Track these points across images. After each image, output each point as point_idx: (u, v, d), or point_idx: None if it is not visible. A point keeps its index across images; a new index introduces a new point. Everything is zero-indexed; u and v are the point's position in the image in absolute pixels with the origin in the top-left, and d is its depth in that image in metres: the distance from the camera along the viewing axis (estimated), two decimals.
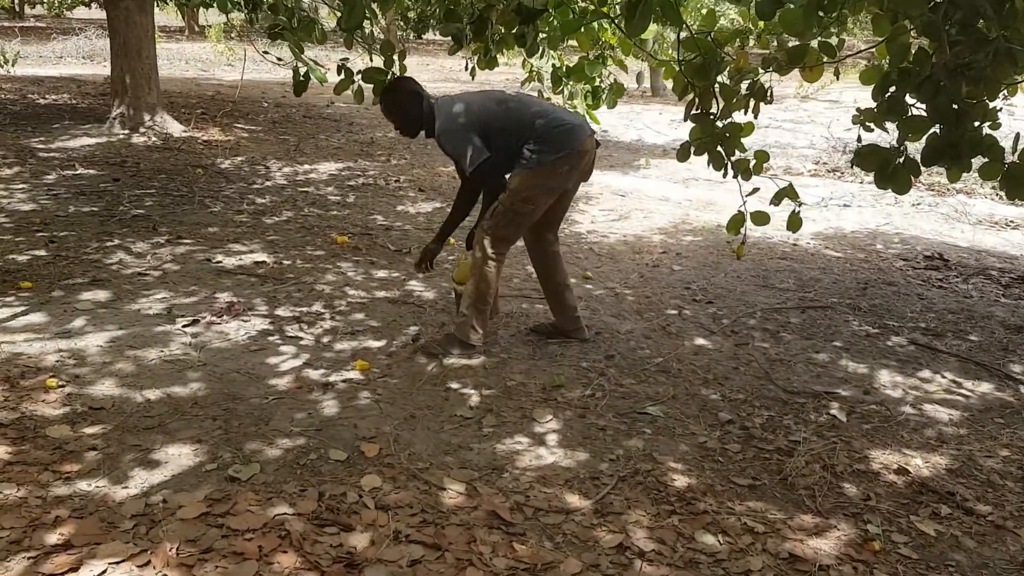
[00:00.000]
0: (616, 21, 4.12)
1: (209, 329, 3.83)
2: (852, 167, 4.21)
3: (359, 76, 4.13)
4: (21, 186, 6.22)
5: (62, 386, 3.18)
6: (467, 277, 3.65)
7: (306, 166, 7.63)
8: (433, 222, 5.96)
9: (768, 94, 3.66)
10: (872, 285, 4.72)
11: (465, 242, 3.86)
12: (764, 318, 4.15)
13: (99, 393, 3.15)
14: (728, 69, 3.88)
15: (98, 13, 30.71)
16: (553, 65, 5.17)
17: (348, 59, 4.50)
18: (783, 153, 9.22)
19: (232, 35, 21.45)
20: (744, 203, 3.69)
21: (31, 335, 3.64)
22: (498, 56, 5.20)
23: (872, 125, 3.26)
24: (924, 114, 3.36)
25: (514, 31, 5.01)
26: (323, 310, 4.15)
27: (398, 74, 4.44)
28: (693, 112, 3.93)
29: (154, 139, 8.30)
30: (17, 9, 29.59)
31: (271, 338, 3.77)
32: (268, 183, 6.88)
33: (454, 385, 3.34)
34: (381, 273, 4.77)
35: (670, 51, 4.50)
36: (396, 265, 4.93)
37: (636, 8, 2.92)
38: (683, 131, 11.04)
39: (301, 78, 4.14)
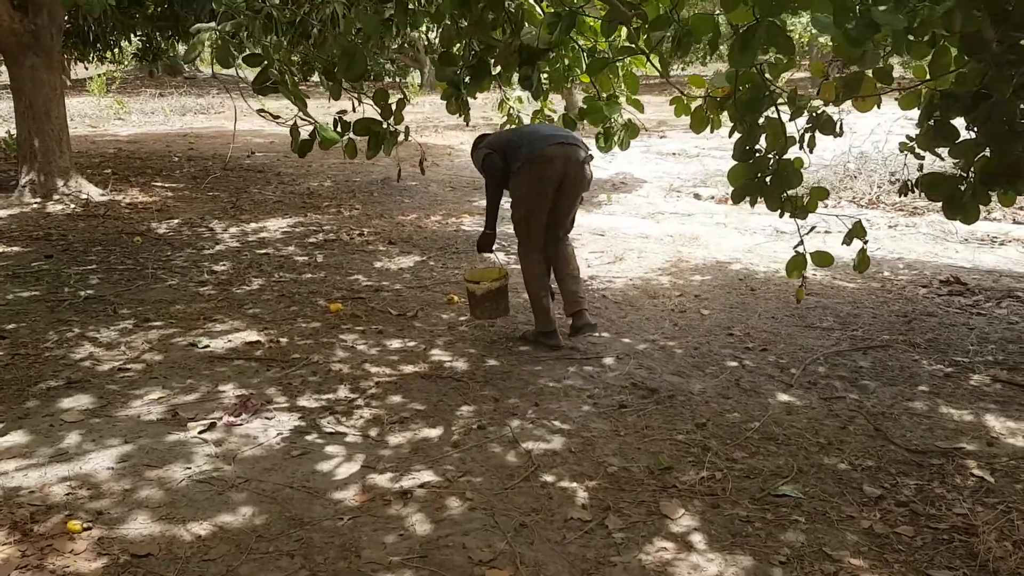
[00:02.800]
0: (650, 57, 3.85)
1: (231, 433, 3.29)
2: (914, 193, 4.02)
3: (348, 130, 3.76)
4: None
5: (87, 528, 2.60)
6: (480, 277, 4.26)
7: (253, 224, 7.03)
8: (421, 278, 5.53)
9: (838, 126, 3.44)
10: (914, 318, 4.58)
11: (476, 246, 4.43)
12: (832, 364, 3.92)
13: (136, 533, 2.59)
14: (780, 101, 3.65)
15: None
16: (558, 108, 4.86)
17: (346, 111, 4.07)
18: None
19: (112, 87, 20.17)
20: (802, 243, 3.45)
21: (22, 462, 3.01)
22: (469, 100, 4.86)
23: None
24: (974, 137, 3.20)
25: (516, 73, 4.67)
26: (352, 395, 3.66)
27: (394, 123, 4.09)
28: (742, 151, 3.68)
29: (73, 206, 7.52)
30: None
31: (309, 437, 3.26)
32: (219, 247, 6.26)
33: (548, 478, 2.93)
34: (395, 343, 4.30)
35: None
36: (408, 332, 4.47)
37: (749, 38, 2.65)
38: (622, 163, 10.93)
39: (307, 137, 3.67)
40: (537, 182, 4.05)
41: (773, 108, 3.59)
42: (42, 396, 3.59)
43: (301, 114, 3.67)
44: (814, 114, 3.51)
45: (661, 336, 4.34)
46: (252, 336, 4.36)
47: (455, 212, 7.74)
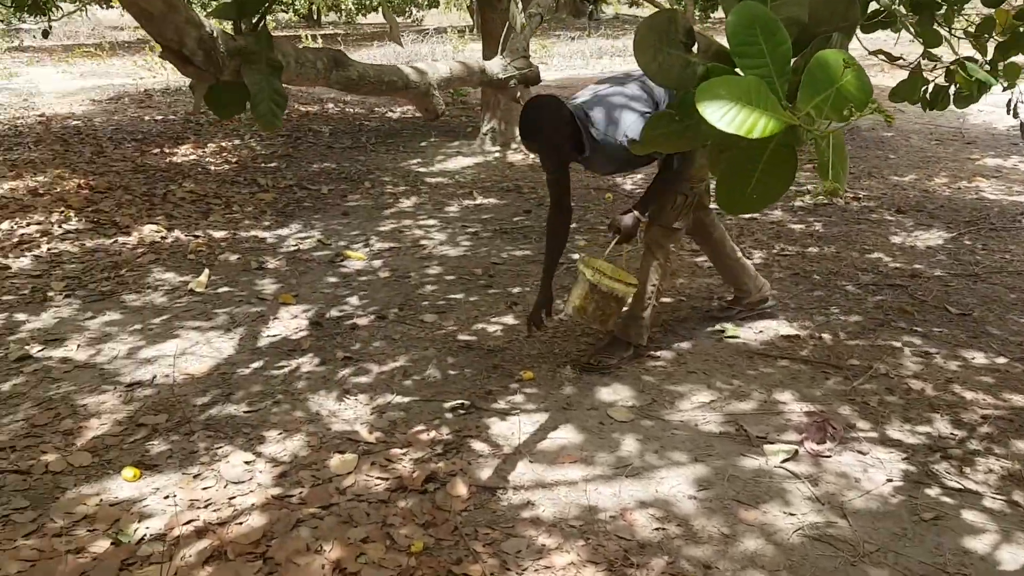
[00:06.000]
0: None
1: (821, 467, 2.63)
2: None
3: None
4: (431, 222, 5.52)
5: None
6: (614, 272, 3.17)
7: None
8: (963, 262, 4.45)
9: None
10: None
11: (609, 227, 3.24)
12: None
13: None
14: None
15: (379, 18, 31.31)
16: None
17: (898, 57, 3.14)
18: None
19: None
20: None
21: (587, 470, 2.65)
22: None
23: None
24: None
25: None
26: (957, 431, 2.82)
27: None
28: None
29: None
30: (315, 16, 30.55)
31: (931, 492, 2.49)
32: None
33: None
34: (976, 357, 3.36)
35: None
36: (986, 341, 3.49)
37: None
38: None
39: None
40: None
41: None
42: (575, 381, 3.25)
43: (927, 57, 2.82)
44: None
45: None
46: (785, 328, 3.68)
47: (961, 173, 6.39)
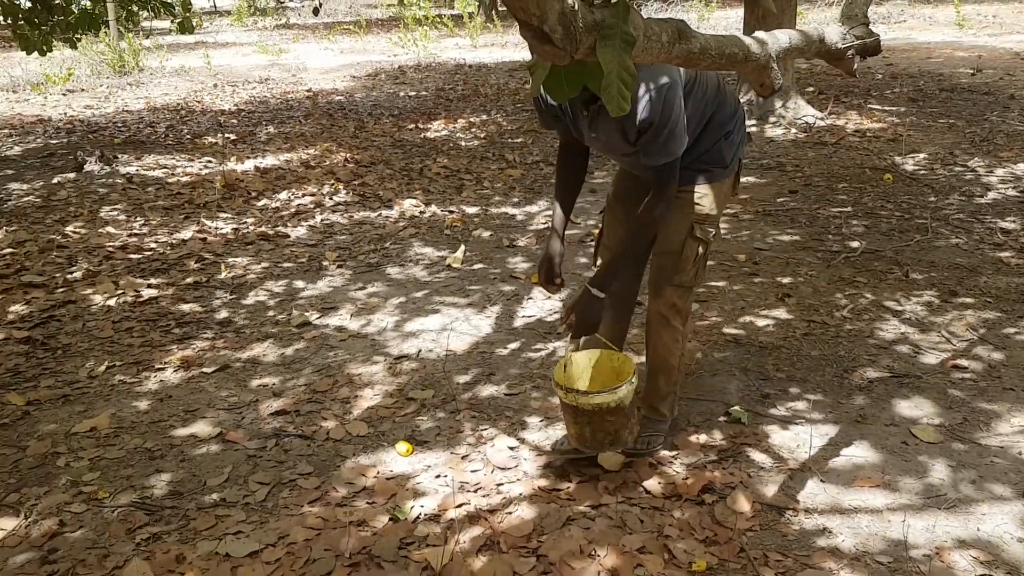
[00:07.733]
0: None
1: None
2: None
3: None
4: None
5: None
6: (595, 375, 2.44)
7: (1021, 166, 5.55)
8: None
9: None
10: None
11: (563, 315, 2.38)
12: None
13: None
14: None
15: None
16: None
17: None
18: None
19: None
20: None
21: (890, 497, 2.33)
22: None
23: None
24: None
25: None
26: None
27: None
28: None
29: (793, 131, 6.95)
30: None
31: None
32: (992, 194, 4.99)
33: None
34: None
35: None
36: None
37: None
38: None
39: None
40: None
41: None
42: (867, 390, 2.90)
43: None
44: None
45: None
46: None
47: None
